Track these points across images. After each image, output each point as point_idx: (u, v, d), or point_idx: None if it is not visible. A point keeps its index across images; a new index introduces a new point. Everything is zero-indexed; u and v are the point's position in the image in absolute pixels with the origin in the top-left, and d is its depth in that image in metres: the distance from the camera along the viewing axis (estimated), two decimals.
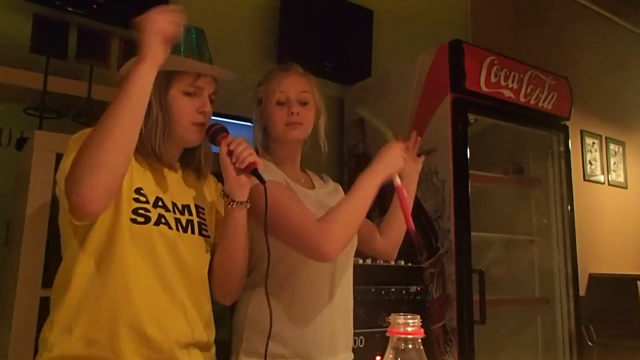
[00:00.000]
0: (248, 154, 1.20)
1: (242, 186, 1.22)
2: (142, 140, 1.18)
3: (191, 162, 1.33)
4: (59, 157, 1.56)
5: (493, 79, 2.50)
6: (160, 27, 1.08)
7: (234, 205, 1.22)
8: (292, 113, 1.40)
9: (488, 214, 2.65)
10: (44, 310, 1.49)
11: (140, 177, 1.20)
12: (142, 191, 1.18)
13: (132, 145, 1.08)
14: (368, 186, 1.35)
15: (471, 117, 2.42)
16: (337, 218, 1.29)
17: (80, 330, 1.09)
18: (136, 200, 1.16)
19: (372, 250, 1.61)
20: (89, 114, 1.97)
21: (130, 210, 1.15)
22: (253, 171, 1.20)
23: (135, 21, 1.08)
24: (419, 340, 0.82)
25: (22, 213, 1.58)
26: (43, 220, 1.54)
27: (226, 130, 1.25)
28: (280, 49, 2.69)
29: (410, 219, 1.38)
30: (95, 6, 2.07)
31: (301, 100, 1.44)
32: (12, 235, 1.81)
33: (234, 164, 1.20)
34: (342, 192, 1.59)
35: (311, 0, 2.81)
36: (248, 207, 1.23)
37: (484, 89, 2.47)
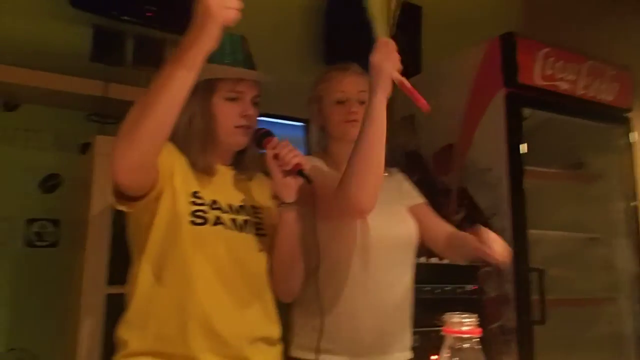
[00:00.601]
0: (293, 156, 1.23)
1: (289, 188, 1.24)
2: (187, 145, 1.24)
3: (241, 164, 1.36)
4: None
5: (548, 72, 2.42)
6: (221, 12, 1.02)
7: (283, 207, 1.26)
8: (352, 111, 1.43)
9: (547, 211, 2.56)
10: (111, 306, 1.57)
11: (195, 181, 1.24)
12: (198, 194, 1.22)
13: (169, 122, 1.03)
14: (375, 119, 1.30)
15: (526, 112, 2.35)
16: (353, 172, 1.27)
17: (152, 328, 1.14)
18: (194, 203, 1.21)
19: (434, 249, 1.59)
20: None
21: (189, 212, 1.19)
22: (299, 172, 1.23)
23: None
24: (476, 339, 0.81)
25: (86, 214, 1.66)
26: (106, 220, 1.62)
27: (271, 134, 1.29)
28: (327, 49, 2.70)
29: (421, 99, 1.37)
30: (149, 14, 2.14)
31: (360, 100, 1.45)
32: (79, 236, 1.90)
33: (280, 166, 1.23)
34: (407, 184, 1.60)
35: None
36: (297, 207, 1.26)
37: (539, 82, 2.39)
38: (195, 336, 1.15)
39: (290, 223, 1.26)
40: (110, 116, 2.13)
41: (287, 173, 1.23)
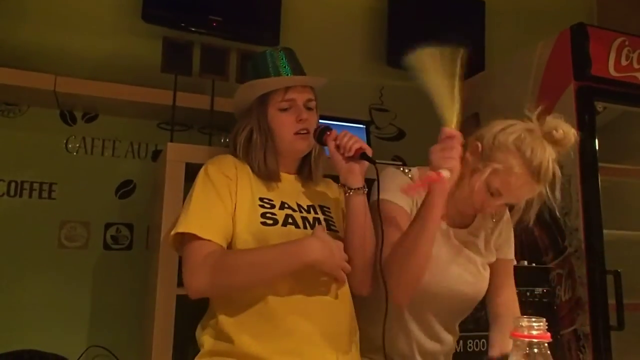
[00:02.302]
0: (354, 142, 1.25)
1: (354, 173, 1.26)
2: (250, 160, 1.32)
3: (305, 168, 1.40)
4: (188, 166, 1.71)
5: (624, 62, 2.29)
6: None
7: (351, 193, 1.27)
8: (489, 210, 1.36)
9: (625, 210, 2.42)
10: (181, 307, 1.63)
11: (262, 189, 1.30)
12: (264, 199, 1.28)
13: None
14: (418, 231, 1.22)
15: (599, 106, 2.23)
16: (392, 270, 1.23)
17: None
18: (262, 206, 1.26)
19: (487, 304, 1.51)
20: (212, 125, 2.12)
21: (259, 214, 1.24)
22: (362, 155, 1.25)
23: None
24: (546, 344, 0.78)
25: (158, 218, 1.73)
26: None
27: (329, 129, 1.31)
28: (390, 50, 2.68)
29: (417, 188, 1.24)
30: (214, 25, 2.22)
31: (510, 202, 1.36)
32: (152, 239, 2.00)
33: (343, 154, 1.26)
34: (506, 235, 1.50)
35: None
36: (365, 191, 1.27)
37: (614, 73, 2.26)
38: (272, 337, 1.19)
39: (359, 209, 1.27)
40: (179, 124, 2.23)
41: (351, 159, 1.26)
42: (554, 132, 1.25)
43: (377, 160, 2.16)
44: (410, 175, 1.39)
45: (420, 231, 1.20)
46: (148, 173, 2.21)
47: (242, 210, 1.25)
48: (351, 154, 1.25)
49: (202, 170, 1.32)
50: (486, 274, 1.42)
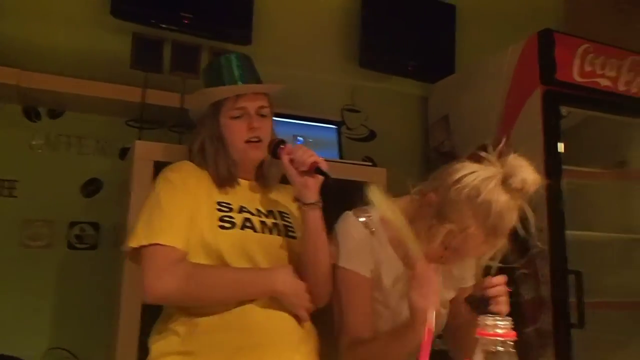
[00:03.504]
0: (308, 156, 1.24)
1: (309, 187, 1.25)
2: (207, 168, 1.32)
3: (262, 178, 1.40)
4: (157, 165, 1.68)
5: (587, 68, 2.35)
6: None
7: (305, 208, 1.26)
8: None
9: (588, 212, 2.49)
10: (147, 308, 1.61)
11: (220, 194, 1.30)
12: (222, 202, 1.27)
13: None
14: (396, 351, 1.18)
15: (564, 110, 2.29)
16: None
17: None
18: (220, 210, 1.26)
19: (444, 334, 1.42)
20: (182, 123, 2.09)
21: (217, 218, 1.24)
22: (317, 169, 1.23)
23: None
24: (511, 342, 0.80)
25: (125, 218, 1.70)
26: None
27: (284, 142, 1.32)
28: (363, 51, 2.70)
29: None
30: (186, 22, 2.19)
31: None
32: (119, 239, 1.96)
33: (297, 169, 1.25)
34: (471, 266, 1.43)
35: (392, 0, 2.79)
36: (320, 206, 1.26)
37: (578, 79, 2.33)
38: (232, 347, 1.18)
39: (314, 224, 1.26)
40: (148, 121, 2.19)
41: (305, 173, 1.24)
42: (511, 180, 1.13)
43: (348, 161, 2.18)
44: (371, 226, 1.30)
45: (402, 349, 1.17)
46: (115, 171, 2.17)
47: (200, 214, 1.24)
48: (305, 168, 1.24)
49: (160, 176, 1.31)
50: (445, 312, 1.35)
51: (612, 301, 2.50)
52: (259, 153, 1.34)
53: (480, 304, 1.17)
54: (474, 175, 1.14)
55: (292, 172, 1.26)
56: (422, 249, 1.18)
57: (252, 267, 1.23)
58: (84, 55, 2.19)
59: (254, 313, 1.21)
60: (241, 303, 1.20)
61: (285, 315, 1.25)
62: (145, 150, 1.73)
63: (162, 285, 1.14)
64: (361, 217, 1.31)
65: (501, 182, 1.13)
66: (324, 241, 1.27)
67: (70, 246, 2.13)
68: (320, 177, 1.24)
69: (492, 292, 1.19)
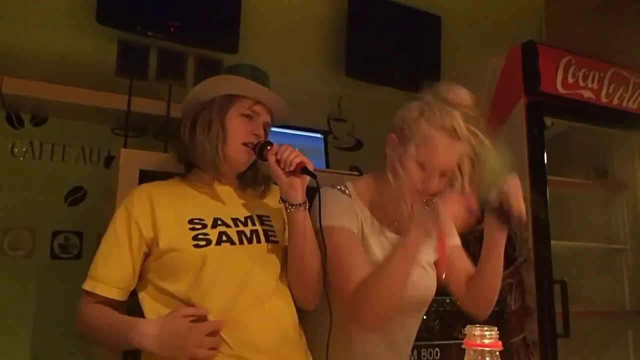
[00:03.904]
0: (295, 156, 1.22)
1: (295, 188, 1.23)
2: (204, 154, 1.28)
3: (248, 180, 1.38)
4: (142, 173, 1.67)
5: (570, 80, 2.39)
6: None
7: (291, 209, 1.24)
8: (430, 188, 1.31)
9: (571, 222, 2.52)
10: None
11: (190, 208, 1.27)
12: (195, 220, 1.25)
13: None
14: (398, 269, 1.21)
15: (548, 121, 2.33)
16: (367, 298, 1.21)
17: None
18: (192, 229, 1.23)
19: (456, 298, 1.47)
20: (168, 131, 2.08)
21: (190, 238, 1.22)
22: (303, 170, 1.22)
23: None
24: (497, 353, 0.80)
25: None
26: None
27: (270, 143, 1.30)
28: (349, 60, 2.71)
29: (442, 265, 1.26)
30: (172, 29, 2.18)
31: (445, 172, 1.31)
32: None
33: (283, 169, 1.23)
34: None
35: (378, 10, 2.81)
36: (307, 207, 1.24)
37: (561, 90, 2.37)
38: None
39: (301, 225, 1.24)
40: (134, 129, 2.17)
41: (291, 174, 1.23)
42: (447, 96, 1.33)
43: (334, 171, 2.18)
44: (347, 192, 1.38)
45: (404, 265, 1.20)
46: (100, 179, 2.15)
47: (168, 238, 1.22)
48: (292, 168, 1.22)
49: (116, 211, 1.30)
50: (432, 272, 1.42)
51: (596, 310, 2.54)
52: (248, 160, 1.33)
53: (500, 211, 1.24)
54: (417, 102, 1.36)
55: (278, 173, 1.24)
56: (407, 188, 1.29)
57: (125, 317, 1.22)
58: (69, 62, 2.17)
59: (244, 325, 1.19)
60: (232, 309, 1.19)
61: (277, 326, 1.24)
62: (130, 158, 1.71)
63: (77, 325, 1.26)
64: (338, 187, 1.39)
65: (441, 102, 1.33)
66: (311, 242, 1.25)
67: (54, 255, 2.10)
68: (307, 178, 1.23)
69: (513, 197, 1.25)
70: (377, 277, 1.21)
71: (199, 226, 1.24)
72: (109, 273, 1.24)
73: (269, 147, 1.28)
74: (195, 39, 2.28)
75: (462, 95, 1.36)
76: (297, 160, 1.22)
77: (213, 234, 1.24)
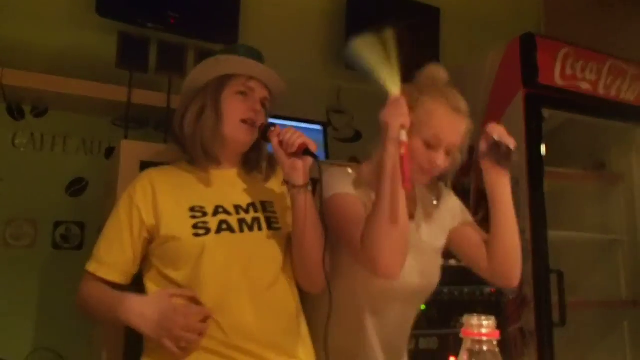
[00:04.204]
0: (297, 137, 1.21)
1: (298, 170, 1.22)
2: (194, 140, 1.28)
3: (253, 163, 1.37)
4: (143, 165, 1.67)
5: (569, 72, 2.40)
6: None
7: (295, 190, 1.23)
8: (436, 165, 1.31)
9: (568, 213, 2.54)
10: None
11: (192, 196, 1.27)
12: (195, 207, 1.25)
13: None
14: (389, 175, 1.19)
15: (546, 113, 2.34)
16: (373, 237, 1.18)
17: None
18: (193, 217, 1.23)
19: (483, 274, 1.43)
20: (168, 122, 2.09)
21: (190, 226, 1.22)
22: (305, 151, 1.21)
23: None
24: (495, 342, 0.81)
25: None
26: None
27: (274, 125, 1.28)
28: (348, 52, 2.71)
29: (407, 176, 1.15)
30: (172, 21, 2.18)
31: (449, 149, 1.32)
32: None
33: (286, 151, 1.22)
34: (453, 208, 1.50)
35: (377, 2, 2.81)
36: (310, 189, 1.24)
37: (559, 82, 2.37)
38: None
39: (304, 207, 1.22)
40: (134, 121, 2.18)
41: (294, 155, 1.21)
42: (437, 75, 1.41)
43: (333, 162, 2.19)
44: (350, 171, 1.39)
45: (396, 187, 1.18)
46: (101, 171, 2.15)
47: (169, 226, 1.23)
48: (294, 149, 1.20)
49: (123, 194, 1.31)
50: (436, 260, 1.42)
51: (592, 300, 2.56)
52: (250, 136, 1.31)
53: (494, 148, 1.29)
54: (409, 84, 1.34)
55: (280, 154, 1.23)
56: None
57: (115, 293, 1.23)
58: (69, 54, 2.17)
59: (240, 314, 1.20)
60: (224, 303, 1.19)
61: (276, 315, 1.24)
62: (131, 150, 1.72)
63: (77, 300, 1.28)
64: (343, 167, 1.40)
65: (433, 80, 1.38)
66: (312, 225, 1.23)
67: (56, 246, 2.11)
68: (310, 159, 1.22)
69: (496, 131, 1.31)
70: (375, 211, 1.19)
71: (200, 214, 1.24)
72: (111, 256, 1.25)
73: (272, 129, 1.26)
74: (196, 31, 2.28)
75: (439, 71, 1.42)
76: (300, 141, 1.21)
77: (213, 222, 1.23)
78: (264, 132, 1.28)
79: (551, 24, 3.43)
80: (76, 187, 2.17)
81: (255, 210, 1.30)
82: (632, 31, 3.56)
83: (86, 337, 1.99)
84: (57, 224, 2.12)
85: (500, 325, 0.82)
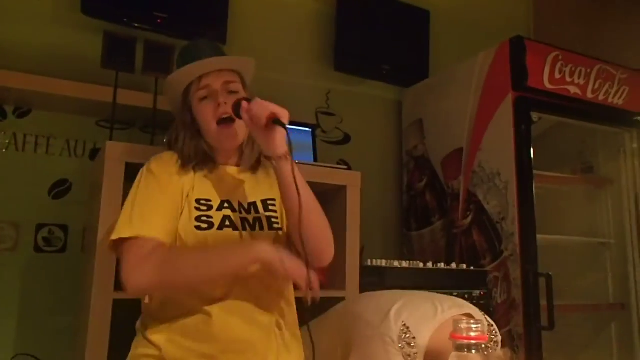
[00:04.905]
0: (264, 110, 1.18)
1: (272, 141, 1.19)
2: (190, 156, 1.30)
3: (251, 160, 1.36)
4: (128, 166, 1.65)
5: (557, 75, 2.41)
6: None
7: (276, 163, 1.20)
8: None
9: (556, 217, 2.54)
10: (116, 311, 1.57)
11: (202, 188, 1.27)
12: (202, 201, 1.24)
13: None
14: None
15: (535, 116, 2.34)
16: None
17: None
18: (197, 209, 1.23)
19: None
20: (154, 124, 2.06)
21: (194, 218, 1.21)
22: (274, 120, 1.18)
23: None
24: (483, 345, 0.81)
25: (95, 220, 1.66)
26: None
27: (247, 100, 1.26)
28: (337, 54, 2.70)
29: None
30: (159, 21, 2.16)
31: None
32: (88, 241, 1.92)
33: (257, 125, 1.20)
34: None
35: (367, 5, 2.81)
36: (290, 158, 1.20)
37: (548, 85, 2.38)
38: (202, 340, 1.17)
39: (287, 173, 1.19)
40: (120, 122, 2.15)
41: (266, 127, 1.19)
42: None
43: (323, 164, 2.17)
44: None
45: None
46: (85, 172, 2.12)
47: (180, 211, 1.23)
48: (264, 122, 1.18)
49: (144, 168, 1.28)
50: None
51: (580, 304, 2.57)
52: (233, 135, 1.29)
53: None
54: None
55: (253, 129, 1.21)
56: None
57: (228, 244, 1.20)
58: (53, 53, 2.14)
59: (227, 321, 1.19)
60: (213, 310, 1.18)
61: (262, 324, 1.23)
62: (116, 151, 1.69)
63: (138, 275, 1.12)
64: None
65: None
66: (304, 192, 1.19)
67: (38, 249, 2.07)
68: (281, 128, 1.18)
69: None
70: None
71: (205, 207, 1.24)
72: (157, 223, 1.20)
73: (243, 105, 1.24)
74: (183, 31, 2.25)
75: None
76: (267, 113, 1.18)
77: (217, 217, 1.23)
78: (237, 111, 1.25)
79: (540, 28, 3.45)
80: (59, 188, 2.13)
81: (257, 211, 1.30)
82: (621, 35, 3.59)
83: (68, 342, 1.95)
84: (39, 227, 2.08)
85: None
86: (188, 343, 1.18)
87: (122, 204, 1.51)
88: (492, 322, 1.25)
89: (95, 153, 2.17)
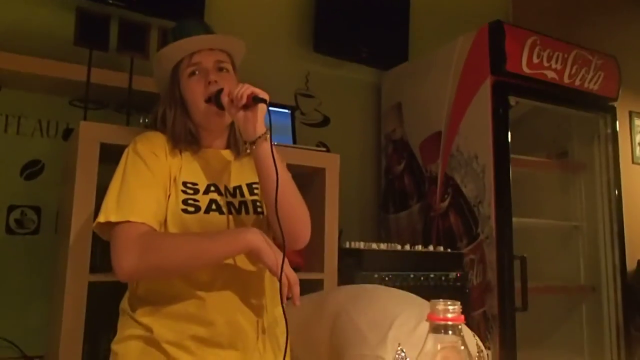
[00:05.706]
0: (244, 90, 1.18)
1: (252, 121, 1.19)
2: (178, 136, 1.28)
3: (237, 144, 1.35)
4: (103, 147, 1.62)
5: (535, 60, 2.43)
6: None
7: (255, 145, 1.19)
8: None
9: (531, 200, 2.58)
10: (92, 294, 1.55)
11: (189, 171, 1.25)
12: (188, 184, 1.23)
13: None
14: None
15: (512, 100, 2.36)
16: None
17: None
18: (184, 192, 1.22)
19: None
20: (130, 104, 2.02)
21: (180, 201, 1.20)
22: (254, 98, 1.18)
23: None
24: (460, 326, 0.81)
25: (69, 202, 1.63)
26: (89, 207, 1.59)
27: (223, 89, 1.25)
28: (317, 35, 2.68)
29: None
30: None
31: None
32: (61, 223, 1.88)
33: (237, 106, 1.19)
34: None
35: None
36: (267, 137, 1.20)
37: (526, 70, 2.40)
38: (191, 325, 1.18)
39: (265, 154, 1.19)
40: (94, 101, 2.10)
41: (245, 108, 1.19)
42: None
43: (301, 146, 2.16)
44: None
45: None
46: (58, 153, 2.07)
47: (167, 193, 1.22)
48: (244, 101, 1.17)
49: (130, 148, 1.24)
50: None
51: (553, 285, 2.62)
52: (220, 116, 1.27)
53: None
54: None
55: (232, 112, 1.20)
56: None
57: (217, 230, 1.20)
58: (24, 29, 2.07)
59: (219, 305, 1.20)
60: (202, 294, 1.18)
61: (253, 306, 1.24)
62: (90, 131, 1.66)
63: (125, 261, 1.10)
64: None
65: None
66: (283, 175, 1.19)
67: (9, 231, 2.02)
68: (263, 107, 1.18)
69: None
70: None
71: (191, 191, 1.23)
72: (145, 206, 1.17)
73: (223, 91, 1.24)
74: (159, 10, 2.20)
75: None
76: (247, 92, 1.18)
77: (203, 201, 1.22)
78: (217, 99, 1.25)
79: (519, 16, 3.46)
80: (32, 169, 2.07)
81: (242, 195, 1.29)
82: (598, 23, 3.63)
83: (43, 325, 1.92)
84: (10, 208, 2.03)
85: (465, 310, 0.82)
86: (180, 326, 1.18)
87: (97, 186, 1.48)
88: (482, 346, 1.27)
89: (68, 133, 2.12)
